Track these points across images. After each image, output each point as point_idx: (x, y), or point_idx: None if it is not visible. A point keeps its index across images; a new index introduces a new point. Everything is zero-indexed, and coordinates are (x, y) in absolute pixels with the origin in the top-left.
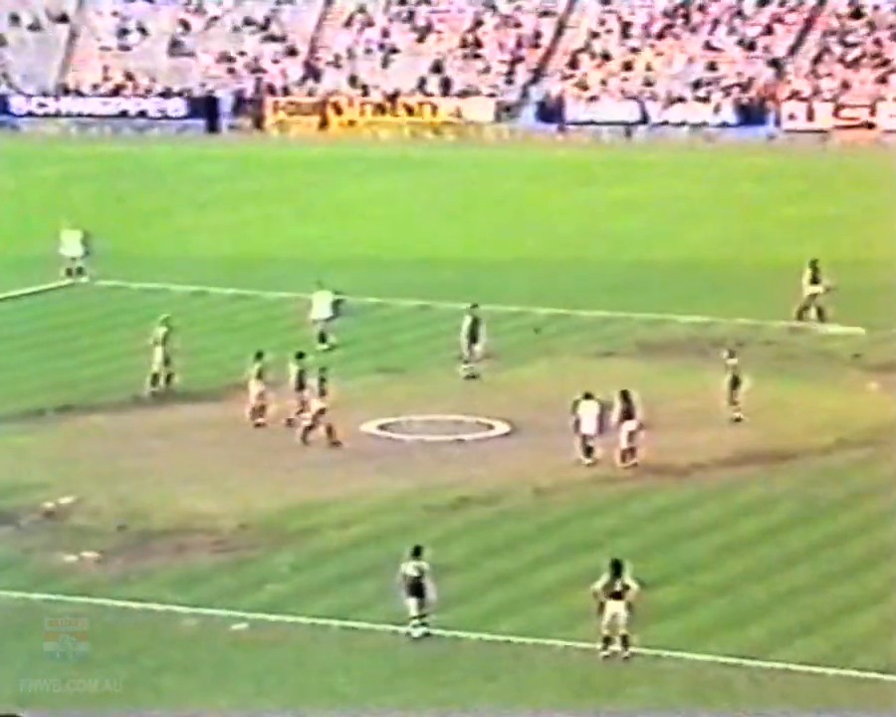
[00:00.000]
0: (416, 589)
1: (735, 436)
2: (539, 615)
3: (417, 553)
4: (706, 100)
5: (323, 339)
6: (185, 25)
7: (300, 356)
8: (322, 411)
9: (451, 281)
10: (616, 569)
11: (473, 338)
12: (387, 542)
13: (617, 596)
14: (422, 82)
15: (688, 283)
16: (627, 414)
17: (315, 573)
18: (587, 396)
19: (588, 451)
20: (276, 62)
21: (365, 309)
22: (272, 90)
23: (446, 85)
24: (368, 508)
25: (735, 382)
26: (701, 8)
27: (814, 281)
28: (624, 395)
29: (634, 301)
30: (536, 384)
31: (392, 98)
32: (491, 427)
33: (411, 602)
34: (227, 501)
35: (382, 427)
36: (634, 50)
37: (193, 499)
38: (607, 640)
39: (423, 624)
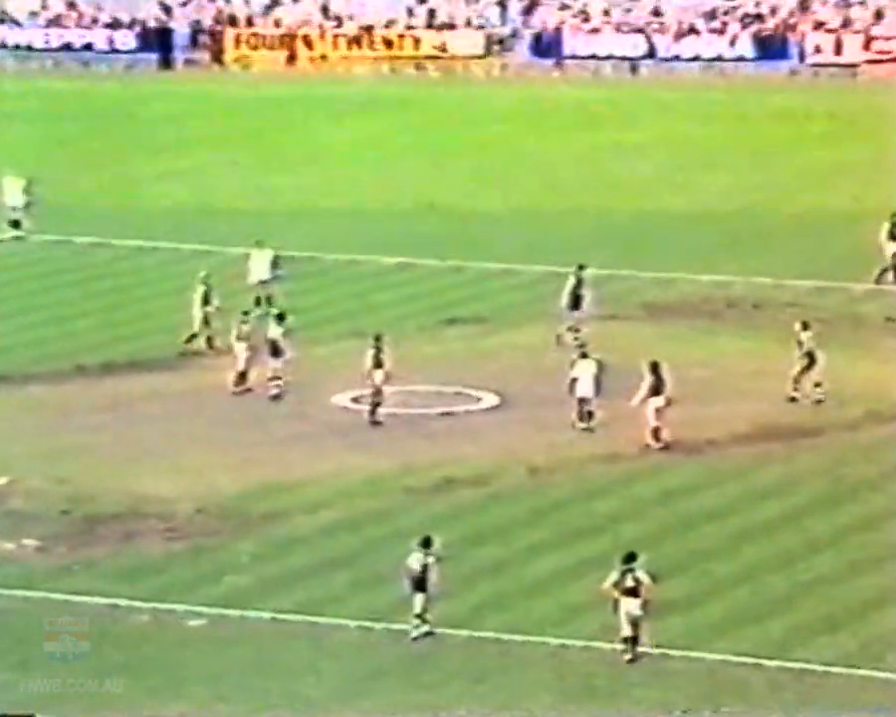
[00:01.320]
0: (419, 583)
1: (753, 410)
2: (532, 610)
3: (427, 544)
4: (721, 31)
5: (259, 302)
6: None
7: (280, 318)
8: (377, 387)
9: (435, 235)
10: (628, 561)
11: (576, 303)
12: (362, 528)
13: (631, 592)
14: (403, 12)
15: (701, 236)
16: (656, 390)
17: (280, 562)
18: (584, 355)
19: (588, 416)
20: None
21: (339, 265)
22: (233, 20)
23: (430, 15)
24: (341, 490)
25: (810, 360)
26: None
27: (893, 237)
28: (654, 368)
29: (640, 257)
30: (529, 351)
31: (369, 30)
32: (479, 399)
33: (415, 599)
34: (182, 482)
35: (357, 399)
36: None
37: (144, 480)
38: (633, 641)
39: (425, 622)
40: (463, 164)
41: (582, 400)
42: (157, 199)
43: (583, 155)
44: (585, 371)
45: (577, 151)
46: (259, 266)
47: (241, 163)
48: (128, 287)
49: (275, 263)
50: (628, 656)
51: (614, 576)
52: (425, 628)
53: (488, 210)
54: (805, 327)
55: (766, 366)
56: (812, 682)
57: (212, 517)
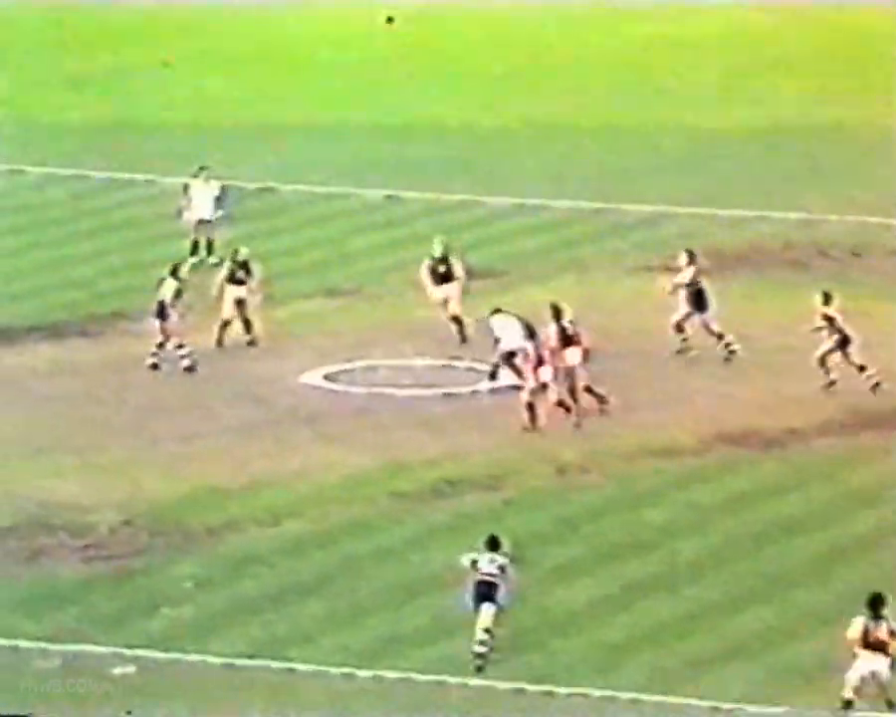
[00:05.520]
0: (489, 591)
1: (849, 390)
2: (562, 652)
3: (494, 545)
4: None
5: (196, 249)
6: None
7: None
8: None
9: (432, 159)
10: (875, 605)
11: None
12: (338, 544)
13: (878, 646)
14: None
15: (780, 161)
16: (566, 340)
17: (232, 590)
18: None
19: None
20: None
21: (304, 200)
22: None
23: None
24: (310, 495)
25: None
26: None
27: None
28: (557, 313)
29: (699, 189)
30: None
31: None
32: (492, 376)
33: (483, 612)
34: (102, 485)
35: (329, 377)
36: None
37: (52, 481)
38: (848, 705)
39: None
40: (469, 68)
41: (511, 355)
42: (65, 111)
43: (625, 56)
44: (508, 326)
45: (617, 51)
46: (201, 201)
47: (173, 65)
48: (29, 227)
49: (220, 198)
50: None
51: (862, 622)
52: (486, 649)
53: (502, 127)
54: None
55: (868, 333)
56: None
57: (142, 530)
